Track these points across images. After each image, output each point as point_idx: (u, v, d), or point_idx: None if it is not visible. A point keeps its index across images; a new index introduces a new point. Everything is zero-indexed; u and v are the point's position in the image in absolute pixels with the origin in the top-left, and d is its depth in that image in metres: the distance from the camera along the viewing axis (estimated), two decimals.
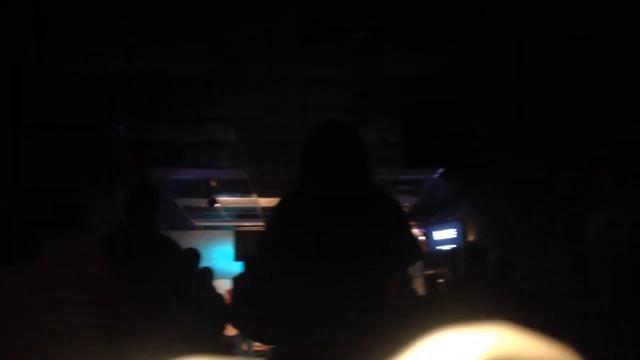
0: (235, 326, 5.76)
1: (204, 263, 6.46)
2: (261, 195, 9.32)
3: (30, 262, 1.92)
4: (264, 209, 10.22)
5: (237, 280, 6.25)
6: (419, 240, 2.13)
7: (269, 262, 2.10)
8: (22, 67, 4.59)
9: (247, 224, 12.03)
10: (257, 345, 9.55)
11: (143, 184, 4.57)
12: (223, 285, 7.63)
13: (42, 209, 2.07)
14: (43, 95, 5.06)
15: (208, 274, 6.39)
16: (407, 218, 2.16)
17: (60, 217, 2.09)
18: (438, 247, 9.77)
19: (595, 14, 3.97)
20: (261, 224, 11.45)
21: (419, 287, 8.61)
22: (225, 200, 9.67)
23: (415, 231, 11.07)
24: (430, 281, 8.28)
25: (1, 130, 4.56)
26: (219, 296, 6.58)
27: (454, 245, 9.44)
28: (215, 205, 9.30)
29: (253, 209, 10.47)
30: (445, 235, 9.73)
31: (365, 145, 2.18)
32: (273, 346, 2.24)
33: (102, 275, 2.06)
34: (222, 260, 12.10)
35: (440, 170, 7.49)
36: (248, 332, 2.49)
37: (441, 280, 8.52)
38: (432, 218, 11.25)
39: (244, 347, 9.87)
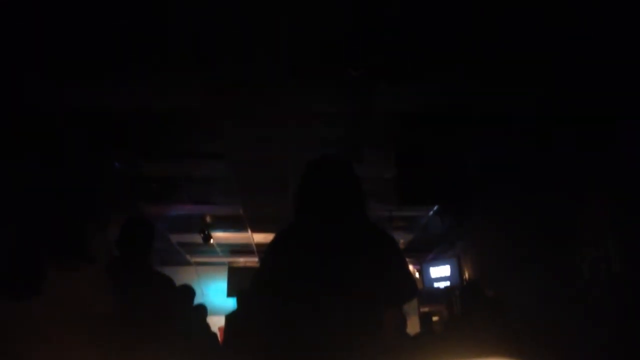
0: None
1: (197, 300, 6.40)
2: (255, 230, 9.28)
3: (36, 295, 1.91)
4: (258, 244, 10.16)
5: (230, 317, 6.20)
6: (414, 276, 2.11)
7: (262, 299, 2.07)
8: (20, 104, 4.62)
9: (241, 260, 11.94)
10: None
11: (138, 217, 4.54)
12: (216, 323, 7.52)
13: (48, 239, 2.06)
14: (41, 131, 5.08)
15: (202, 312, 6.32)
16: (402, 253, 2.15)
17: (65, 247, 2.08)
18: (434, 284, 9.69)
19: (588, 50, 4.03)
20: (255, 259, 11.37)
21: (414, 324, 8.51)
22: (219, 235, 9.61)
23: (410, 268, 10.97)
24: (425, 319, 8.19)
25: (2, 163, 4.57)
26: (213, 334, 6.50)
27: (450, 283, 9.38)
28: (209, 241, 9.23)
29: (247, 245, 10.41)
30: (441, 272, 9.65)
31: (360, 181, 2.18)
32: None
33: (109, 306, 2.05)
34: (216, 296, 11.96)
35: (436, 207, 7.48)
36: None
37: (436, 318, 8.43)
38: (428, 254, 11.19)
39: None
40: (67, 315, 1.93)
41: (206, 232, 8.90)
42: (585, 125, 4.90)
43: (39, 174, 4.94)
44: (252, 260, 11.58)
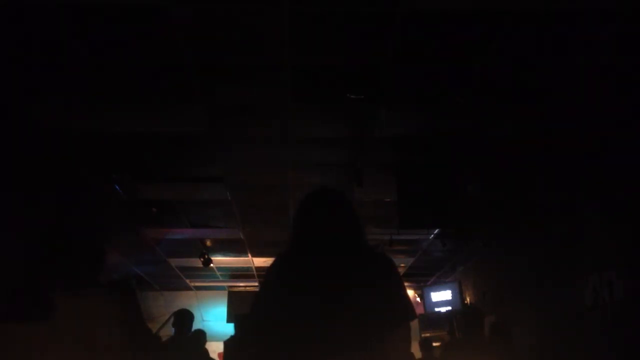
0: None
1: (197, 325, 6.35)
2: (255, 254, 9.25)
3: (44, 319, 1.90)
4: (259, 268, 10.12)
5: (228, 342, 6.14)
6: (411, 300, 2.10)
7: (261, 322, 2.06)
8: (20, 127, 4.64)
9: (241, 284, 11.89)
10: None
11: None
12: (216, 349, 7.47)
13: (57, 264, 2.05)
14: (41, 154, 5.10)
15: (201, 337, 6.27)
16: (400, 277, 2.14)
17: (74, 273, 2.08)
18: (435, 309, 9.62)
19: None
20: (255, 283, 11.31)
21: (415, 350, 8.42)
22: (219, 259, 9.58)
23: (411, 292, 10.93)
24: (426, 344, 8.11)
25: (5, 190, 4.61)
26: None
27: (451, 307, 9.31)
28: (210, 265, 9.21)
29: (247, 269, 10.37)
30: (442, 297, 9.59)
31: (355, 208, 2.21)
32: None
33: (116, 333, 2.04)
34: (216, 322, 11.87)
35: (436, 231, 7.46)
36: None
37: (437, 344, 8.35)
38: (429, 279, 11.14)
39: None
40: (71, 341, 1.92)
41: (206, 256, 8.88)
42: (584, 150, 4.92)
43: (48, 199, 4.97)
44: (252, 285, 11.53)
